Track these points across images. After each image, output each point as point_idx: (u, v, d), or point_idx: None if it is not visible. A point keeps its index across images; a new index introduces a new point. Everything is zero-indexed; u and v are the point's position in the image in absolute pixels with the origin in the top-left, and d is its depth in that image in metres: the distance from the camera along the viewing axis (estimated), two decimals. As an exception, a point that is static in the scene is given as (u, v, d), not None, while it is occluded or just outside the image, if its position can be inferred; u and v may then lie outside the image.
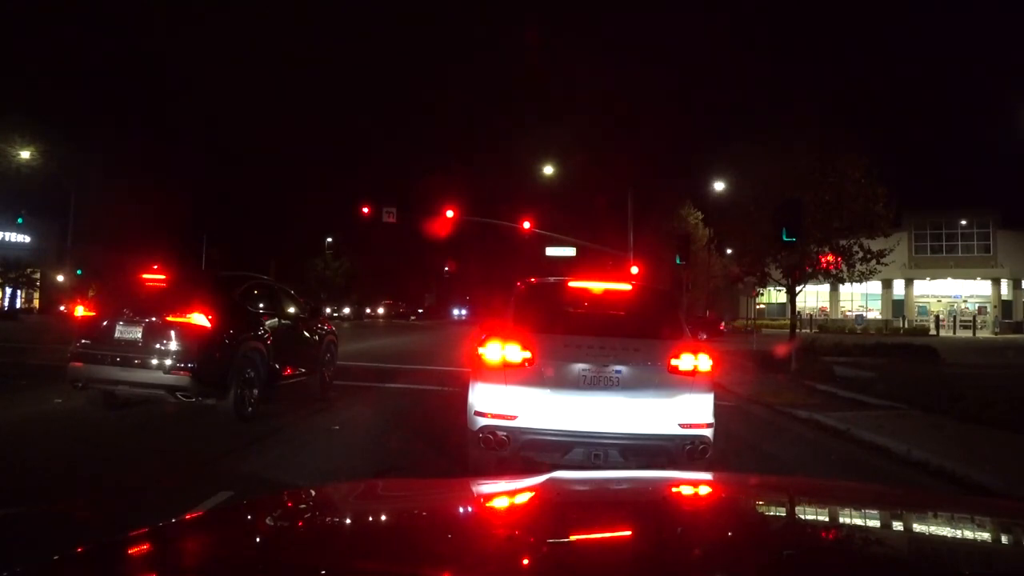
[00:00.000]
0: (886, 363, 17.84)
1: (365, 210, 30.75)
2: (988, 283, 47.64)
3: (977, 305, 48.14)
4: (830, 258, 19.44)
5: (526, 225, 30.42)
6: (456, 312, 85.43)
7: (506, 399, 5.35)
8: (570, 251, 32.51)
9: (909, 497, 2.86)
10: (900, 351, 21.50)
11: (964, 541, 1.76)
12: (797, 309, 22.04)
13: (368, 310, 74.36)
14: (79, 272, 43.65)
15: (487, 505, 2.08)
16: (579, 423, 5.30)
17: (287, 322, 9.77)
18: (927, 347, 22.50)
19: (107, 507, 5.01)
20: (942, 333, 41.67)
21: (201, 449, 6.87)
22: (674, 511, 2.07)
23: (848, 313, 48.58)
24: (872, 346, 22.98)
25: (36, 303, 50.23)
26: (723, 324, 39.25)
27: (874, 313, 48.82)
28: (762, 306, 46.64)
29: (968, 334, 43.30)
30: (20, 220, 42.16)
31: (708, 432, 5.43)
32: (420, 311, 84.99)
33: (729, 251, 27.90)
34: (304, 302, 11.10)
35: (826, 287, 35.72)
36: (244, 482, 5.55)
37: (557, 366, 5.40)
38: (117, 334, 7.84)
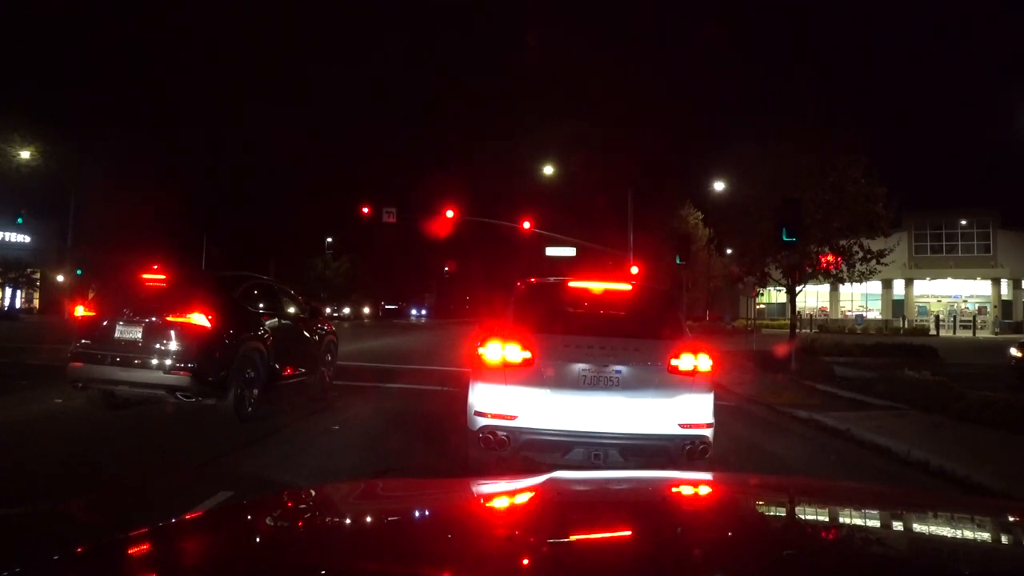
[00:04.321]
0: (886, 363, 17.85)
1: (365, 210, 30.80)
2: (988, 283, 47.62)
3: (977, 305, 48.13)
4: (830, 258, 19.46)
5: (526, 225, 30.43)
6: (414, 312, 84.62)
7: (506, 399, 5.35)
8: (570, 251, 32.53)
9: (909, 497, 2.86)
10: (900, 351, 21.51)
11: (964, 541, 1.76)
12: (797, 309, 22.05)
13: (367, 310, 74.46)
14: (79, 272, 43.66)
15: (487, 505, 2.08)
16: (579, 423, 5.30)
17: (287, 322, 9.76)
18: (927, 347, 22.51)
19: (107, 507, 5.01)
20: (942, 333, 41.66)
21: (201, 449, 6.87)
22: (674, 511, 2.07)
23: (848, 313, 48.57)
24: (872, 346, 23.00)
25: (36, 303, 50.23)
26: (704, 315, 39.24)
27: (874, 313, 48.81)
28: (762, 306, 46.64)
29: (968, 334, 43.30)
30: (20, 220, 42.17)
31: (708, 432, 5.43)
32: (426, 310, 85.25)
33: (729, 251, 27.91)
34: (304, 302, 11.10)
35: (826, 287, 35.73)
36: (244, 482, 5.55)
37: (557, 366, 5.40)
38: (117, 334, 7.84)
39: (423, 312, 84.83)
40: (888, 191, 19.16)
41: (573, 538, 1.69)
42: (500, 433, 5.33)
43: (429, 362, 17.25)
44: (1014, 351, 14.85)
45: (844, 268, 19.66)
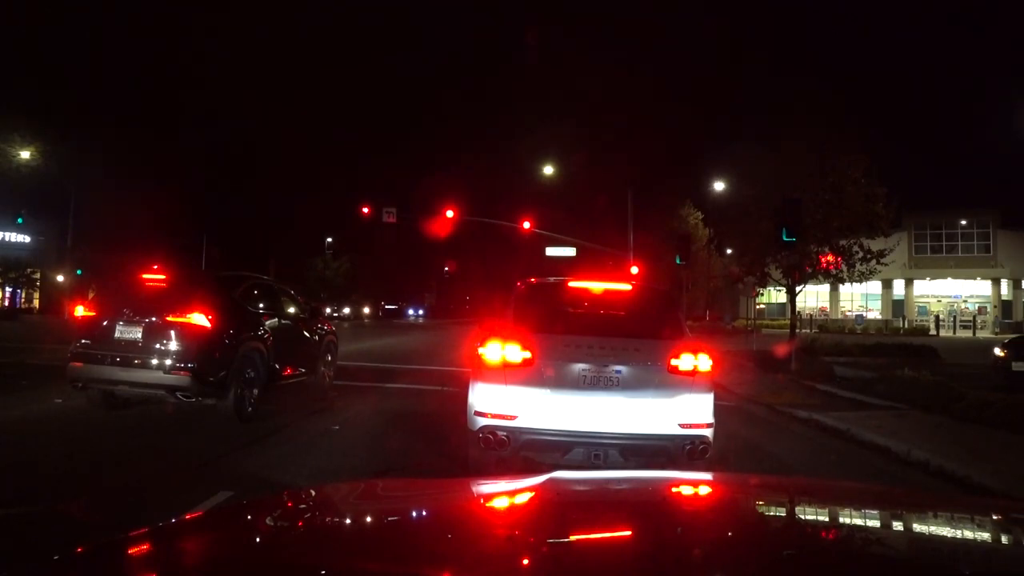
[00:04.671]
0: (886, 363, 17.84)
1: (365, 210, 30.82)
2: (988, 283, 47.62)
3: (977, 305, 48.12)
4: (830, 258, 19.48)
5: (526, 225, 30.44)
6: (411, 312, 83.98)
7: (506, 399, 5.35)
8: (570, 251, 32.54)
9: (909, 497, 2.86)
10: (900, 351, 21.50)
11: (964, 541, 1.76)
12: (797, 309, 22.06)
13: (367, 310, 74.49)
14: (79, 272, 43.67)
15: (487, 505, 2.08)
16: (579, 423, 5.30)
17: (287, 322, 9.76)
18: (927, 347, 22.51)
19: (107, 507, 5.01)
20: (942, 333, 41.64)
21: (201, 449, 6.87)
22: (674, 511, 2.07)
23: (848, 313, 48.57)
24: (872, 346, 22.99)
25: (36, 303, 50.25)
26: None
27: (874, 313, 48.81)
28: (762, 306, 46.64)
29: (968, 334, 43.27)
30: (20, 220, 42.17)
31: (708, 432, 5.42)
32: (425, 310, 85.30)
33: (729, 251, 27.92)
34: (304, 302, 11.10)
35: (826, 287, 35.73)
36: (244, 482, 5.55)
37: (557, 366, 5.40)
38: (117, 334, 7.84)
39: (419, 312, 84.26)
40: (888, 191, 19.20)
41: (573, 538, 1.69)
42: (500, 433, 5.33)
43: (429, 362, 17.25)
44: (997, 351, 14.83)
45: (844, 268, 19.68)
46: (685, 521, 1.91)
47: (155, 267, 9.38)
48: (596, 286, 6.20)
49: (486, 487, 2.38)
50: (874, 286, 43.97)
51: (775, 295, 37.99)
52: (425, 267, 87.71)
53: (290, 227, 71.98)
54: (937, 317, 45.19)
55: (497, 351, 5.46)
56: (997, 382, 13.23)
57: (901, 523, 1.96)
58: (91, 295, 13.75)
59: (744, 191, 21.00)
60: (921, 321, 46.42)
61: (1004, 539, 1.83)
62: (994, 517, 2.01)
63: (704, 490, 2.40)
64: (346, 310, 66.85)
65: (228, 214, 65.44)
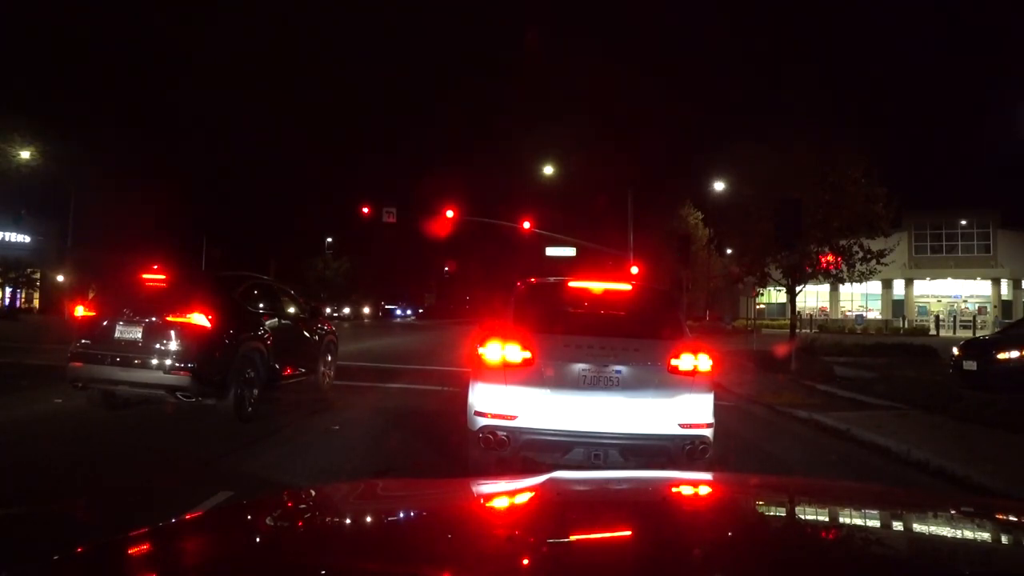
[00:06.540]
0: (886, 363, 17.85)
1: (365, 210, 30.79)
2: (988, 283, 47.60)
3: (977, 305, 48.08)
4: (830, 258, 19.47)
5: (526, 225, 30.42)
6: (399, 312, 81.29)
7: (506, 399, 5.35)
8: (570, 251, 32.53)
9: (909, 497, 2.86)
10: (900, 351, 21.51)
11: (964, 541, 1.76)
12: (797, 309, 22.05)
13: (367, 310, 74.45)
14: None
15: (487, 505, 2.08)
16: (579, 423, 5.30)
17: (287, 322, 9.77)
18: (927, 347, 22.51)
19: (107, 507, 5.01)
20: (942, 333, 41.61)
21: (201, 449, 6.87)
22: (674, 511, 2.07)
23: (848, 313, 48.55)
24: (872, 346, 22.99)
25: (36, 303, 50.23)
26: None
27: (874, 313, 48.79)
28: (762, 306, 46.62)
29: (968, 334, 43.21)
30: (20, 219, 42.15)
31: (708, 432, 5.43)
32: (420, 311, 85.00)
33: (729, 251, 27.93)
34: (304, 302, 11.10)
35: (826, 287, 35.71)
36: (244, 482, 5.55)
37: (557, 366, 5.40)
38: (117, 334, 7.84)
39: (408, 312, 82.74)
40: (888, 191, 19.19)
41: (573, 538, 1.69)
42: (500, 433, 5.32)
43: (429, 362, 17.25)
44: (955, 351, 14.85)
45: (844, 268, 19.68)
46: (685, 521, 1.91)
47: (155, 267, 9.38)
48: (596, 286, 6.20)
49: (486, 487, 2.38)
50: (874, 286, 43.95)
51: (775, 295, 37.97)
52: (425, 267, 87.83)
53: (290, 227, 72.10)
54: (937, 317, 45.16)
55: (497, 351, 5.46)
56: (955, 381, 13.39)
57: (901, 523, 1.96)
58: (91, 295, 13.73)
59: (744, 191, 20.99)
60: (921, 321, 46.39)
61: (1004, 539, 1.83)
62: (994, 517, 2.01)
63: (704, 490, 2.40)
64: (346, 310, 66.86)
65: (228, 214, 65.54)
